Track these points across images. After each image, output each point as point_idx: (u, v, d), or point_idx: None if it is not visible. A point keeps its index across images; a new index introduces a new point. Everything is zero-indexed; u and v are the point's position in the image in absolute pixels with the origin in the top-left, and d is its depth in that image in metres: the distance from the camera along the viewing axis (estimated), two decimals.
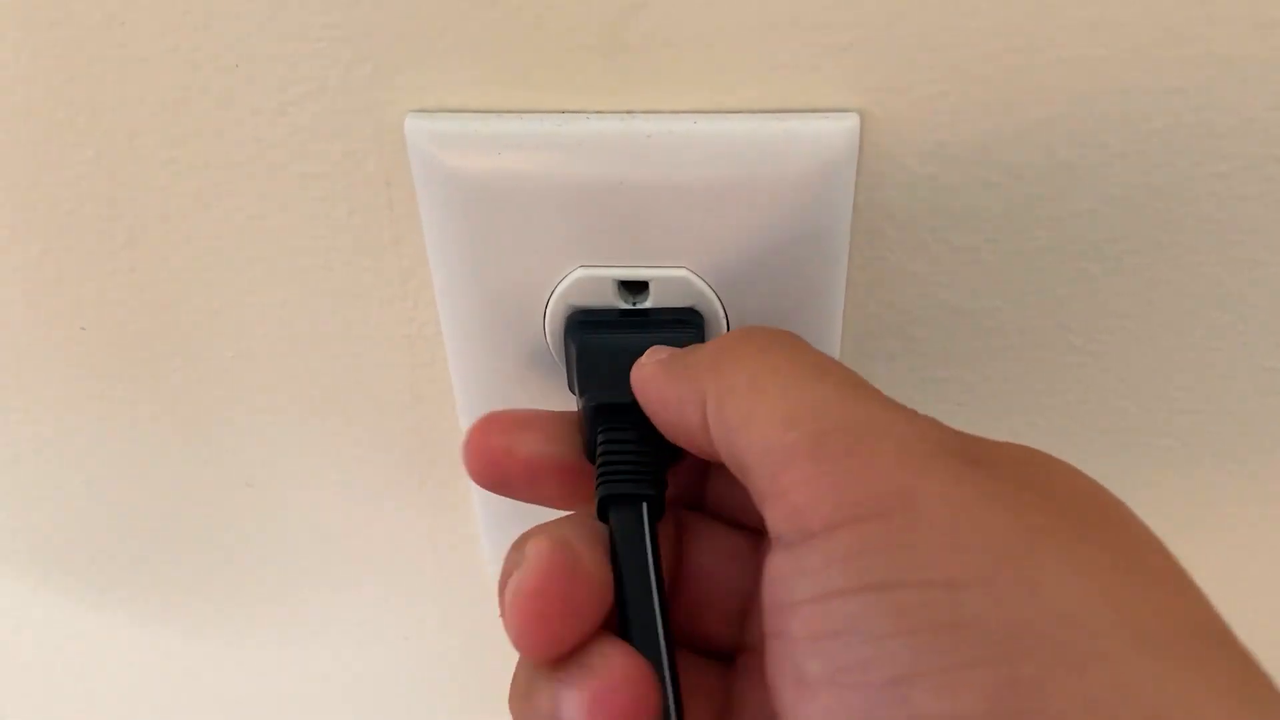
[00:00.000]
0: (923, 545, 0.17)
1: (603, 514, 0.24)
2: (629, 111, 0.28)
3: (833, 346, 0.31)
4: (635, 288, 0.30)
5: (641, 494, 0.24)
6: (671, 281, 0.29)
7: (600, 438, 0.25)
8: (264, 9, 0.27)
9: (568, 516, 0.25)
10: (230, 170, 0.30)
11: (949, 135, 0.28)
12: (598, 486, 0.24)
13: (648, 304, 0.29)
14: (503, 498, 0.37)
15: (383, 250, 0.31)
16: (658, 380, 0.23)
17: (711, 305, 0.29)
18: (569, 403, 0.31)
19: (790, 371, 0.20)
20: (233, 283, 0.33)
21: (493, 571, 0.38)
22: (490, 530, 0.37)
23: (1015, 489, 0.17)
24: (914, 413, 0.19)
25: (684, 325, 0.28)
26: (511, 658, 0.46)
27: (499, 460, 0.26)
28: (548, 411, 0.27)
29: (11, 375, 0.36)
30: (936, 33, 0.26)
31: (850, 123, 0.27)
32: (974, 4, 0.26)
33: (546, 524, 0.24)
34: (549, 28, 0.27)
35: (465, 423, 0.34)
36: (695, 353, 0.23)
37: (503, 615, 0.22)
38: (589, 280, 0.29)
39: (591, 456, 0.26)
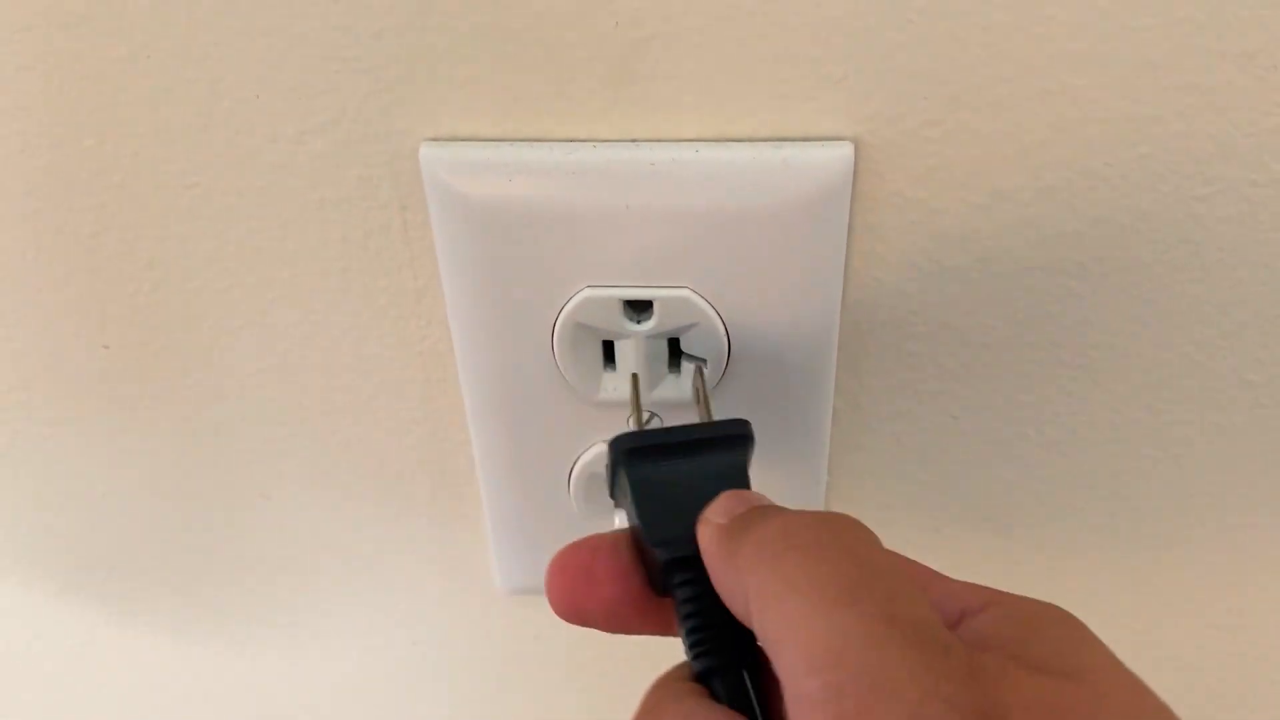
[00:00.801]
0: None
1: (704, 681, 0.23)
2: (634, 140, 0.29)
3: (829, 361, 0.32)
4: (640, 306, 0.31)
5: (742, 662, 0.23)
6: (674, 301, 0.30)
7: (679, 594, 0.24)
8: (284, 42, 0.28)
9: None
10: (250, 195, 0.31)
11: (940, 161, 0.29)
12: (694, 657, 0.24)
13: (652, 323, 0.30)
14: (512, 511, 0.38)
15: (397, 271, 0.33)
16: (713, 557, 0.24)
17: (712, 322, 0.30)
18: (575, 415, 0.32)
19: (819, 598, 0.20)
20: (251, 302, 0.34)
21: (500, 580, 0.39)
22: (499, 541, 0.38)
23: None
24: (940, 651, 0.19)
25: (735, 443, 0.27)
26: (515, 665, 0.47)
27: (581, 603, 0.26)
28: (614, 538, 0.27)
29: (37, 391, 0.37)
30: (928, 64, 0.27)
31: (845, 151, 0.28)
32: (964, 36, 0.27)
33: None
34: (558, 61, 0.28)
35: (475, 436, 0.35)
36: (744, 537, 0.23)
37: None
38: (595, 300, 0.30)
39: (657, 587, 0.25)
